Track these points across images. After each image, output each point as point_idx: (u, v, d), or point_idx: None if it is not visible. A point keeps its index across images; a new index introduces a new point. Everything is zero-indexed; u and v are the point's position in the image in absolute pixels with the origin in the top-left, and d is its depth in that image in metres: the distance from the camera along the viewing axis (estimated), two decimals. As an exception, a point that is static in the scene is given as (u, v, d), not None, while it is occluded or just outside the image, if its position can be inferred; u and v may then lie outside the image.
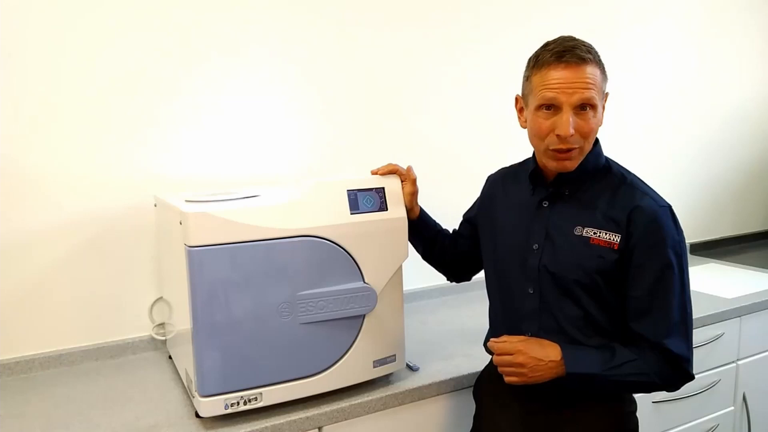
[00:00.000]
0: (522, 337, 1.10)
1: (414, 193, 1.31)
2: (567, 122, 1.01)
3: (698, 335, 1.70)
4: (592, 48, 1.04)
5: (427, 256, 1.41)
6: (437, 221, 1.40)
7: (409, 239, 1.30)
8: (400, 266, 1.26)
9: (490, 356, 1.16)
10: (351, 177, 1.25)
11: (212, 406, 1.11)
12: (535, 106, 1.05)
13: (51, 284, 1.46)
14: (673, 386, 1.06)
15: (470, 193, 1.43)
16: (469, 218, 1.37)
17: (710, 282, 2.12)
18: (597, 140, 1.12)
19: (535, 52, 1.07)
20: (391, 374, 1.32)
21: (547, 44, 1.05)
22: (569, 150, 1.04)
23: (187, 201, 1.15)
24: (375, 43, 1.81)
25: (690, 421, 1.82)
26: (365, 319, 1.22)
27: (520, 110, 1.14)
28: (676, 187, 2.57)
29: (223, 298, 1.09)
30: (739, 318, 1.86)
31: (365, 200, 1.22)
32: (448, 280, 1.44)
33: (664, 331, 1.03)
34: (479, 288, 1.40)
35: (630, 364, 1.03)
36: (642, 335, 1.04)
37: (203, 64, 1.57)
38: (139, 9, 1.48)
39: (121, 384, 1.36)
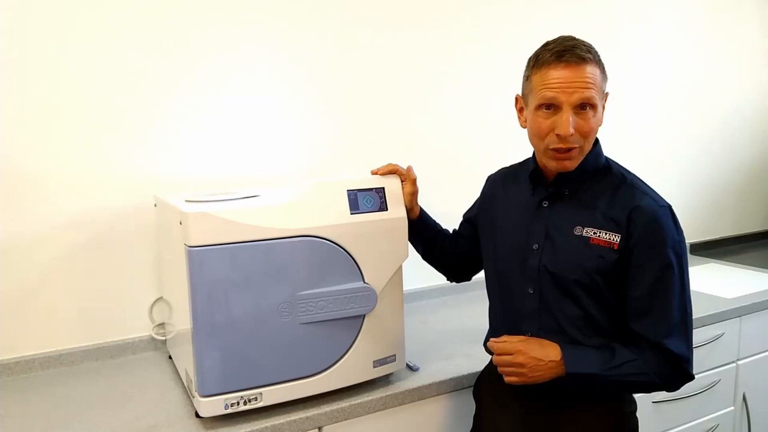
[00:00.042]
0: (522, 337, 1.10)
1: (414, 193, 1.31)
2: (567, 122, 1.01)
3: (698, 335, 1.70)
4: (592, 48, 1.04)
5: (427, 256, 1.41)
6: (437, 221, 1.40)
7: (409, 239, 1.30)
8: (400, 266, 1.26)
9: (490, 356, 1.16)
10: (351, 177, 1.25)
11: (212, 406, 1.11)
12: (535, 105, 1.05)
13: (51, 284, 1.46)
14: (673, 386, 1.06)
15: (470, 193, 1.43)
16: (469, 218, 1.37)
17: (710, 282, 2.12)
18: (597, 140, 1.12)
19: (535, 51, 1.07)
20: (391, 374, 1.32)
21: (547, 44, 1.05)
22: (569, 149, 1.04)
23: (187, 201, 1.15)
24: (375, 43, 1.81)
25: (690, 421, 1.82)
26: (365, 319, 1.22)
27: (520, 110, 1.14)
28: (676, 187, 2.57)
29: (223, 298, 1.09)
30: (739, 318, 1.86)
31: (365, 200, 1.22)
32: (448, 280, 1.44)
33: (664, 331, 1.03)
34: (479, 288, 1.40)
35: (630, 364, 1.03)
36: (642, 335, 1.04)
37: (203, 64, 1.57)
38: (139, 9, 1.48)
39: (121, 384, 1.36)
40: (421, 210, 1.36)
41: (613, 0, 2.28)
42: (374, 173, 1.29)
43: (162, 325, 1.57)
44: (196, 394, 1.11)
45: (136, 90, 1.50)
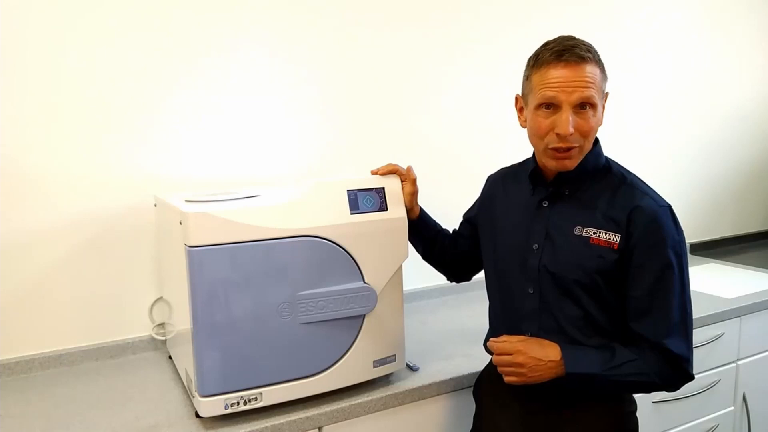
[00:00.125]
0: (521, 337, 1.10)
1: (414, 193, 1.31)
2: (566, 121, 1.01)
3: (698, 335, 1.70)
4: (592, 47, 1.04)
5: (427, 256, 1.41)
6: (437, 221, 1.40)
7: (409, 239, 1.30)
8: (400, 266, 1.26)
9: (490, 356, 1.16)
10: (351, 177, 1.25)
11: (212, 406, 1.11)
12: (534, 105, 1.05)
13: (51, 284, 1.46)
14: (673, 386, 1.06)
15: (470, 193, 1.43)
16: (469, 218, 1.37)
17: (710, 282, 2.12)
18: (597, 140, 1.12)
19: (535, 51, 1.07)
20: (391, 374, 1.32)
21: (546, 44, 1.05)
22: (569, 149, 1.04)
23: (187, 201, 1.15)
24: (375, 43, 1.81)
25: (690, 421, 1.82)
26: (365, 319, 1.22)
27: (520, 110, 1.14)
28: (676, 187, 2.57)
29: (223, 298, 1.09)
30: (739, 318, 1.86)
31: (365, 200, 1.22)
32: (448, 280, 1.44)
33: (664, 331, 1.03)
34: (479, 288, 1.40)
35: (630, 364, 1.03)
36: (642, 335, 1.04)
37: (203, 64, 1.57)
38: (139, 9, 1.48)
39: (121, 384, 1.36)
40: (421, 210, 1.36)
41: (613, 0, 2.28)
42: (374, 173, 1.29)
43: (162, 325, 1.57)
44: (196, 394, 1.11)
45: (136, 90, 1.50)
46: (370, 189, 1.23)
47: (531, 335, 1.12)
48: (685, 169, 2.61)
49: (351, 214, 1.19)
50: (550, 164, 1.08)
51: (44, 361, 1.44)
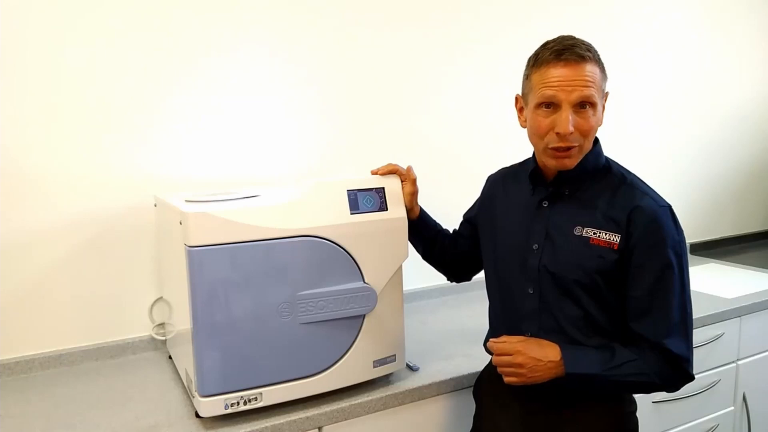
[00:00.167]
0: (521, 338, 1.10)
1: (414, 193, 1.31)
2: (566, 120, 1.01)
3: (698, 335, 1.70)
4: (592, 47, 1.04)
5: (427, 256, 1.41)
6: (437, 221, 1.40)
7: (409, 239, 1.30)
8: (400, 266, 1.26)
9: (490, 356, 1.16)
10: (351, 177, 1.25)
11: (212, 406, 1.11)
12: (534, 104, 1.05)
13: (51, 284, 1.46)
14: (673, 386, 1.06)
15: (470, 193, 1.43)
16: (470, 218, 1.37)
17: (710, 282, 2.12)
18: (597, 140, 1.12)
19: (535, 51, 1.07)
20: (391, 374, 1.32)
21: (546, 43, 1.06)
22: (569, 148, 1.04)
23: (187, 201, 1.15)
24: (375, 43, 1.81)
25: (690, 421, 1.82)
26: (365, 319, 1.22)
27: (520, 110, 1.14)
28: (676, 187, 2.57)
29: (223, 298, 1.09)
30: (739, 318, 1.86)
31: (365, 200, 1.22)
32: (448, 280, 1.44)
33: (664, 331, 1.03)
34: (479, 288, 1.40)
35: (630, 365, 1.03)
36: (642, 335, 1.04)
37: (203, 64, 1.57)
38: (139, 9, 1.48)
39: (121, 384, 1.36)
40: (421, 210, 1.36)
41: (613, 0, 2.28)
42: (374, 173, 1.29)
43: (162, 325, 1.57)
44: (196, 394, 1.11)
45: (136, 90, 1.50)
46: (370, 189, 1.23)
47: (531, 335, 1.12)
48: (685, 169, 2.61)
49: (351, 214, 1.19)
50: (550, 163, 1.08)
51: (44, 361, 1.44)
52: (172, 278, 1.31)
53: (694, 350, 1.06)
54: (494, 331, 1.23)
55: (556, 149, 1.05)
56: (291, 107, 1.71)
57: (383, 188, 1.25)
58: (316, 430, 1.19)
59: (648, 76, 2.42)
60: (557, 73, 1.01)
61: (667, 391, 1.07)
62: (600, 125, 1.07)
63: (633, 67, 2.37)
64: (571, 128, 1.01)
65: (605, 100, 1.08)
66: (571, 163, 1.07)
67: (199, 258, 1.07)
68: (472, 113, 2.00)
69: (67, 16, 1.41)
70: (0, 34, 1.35)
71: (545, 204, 1.13)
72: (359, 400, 1.23)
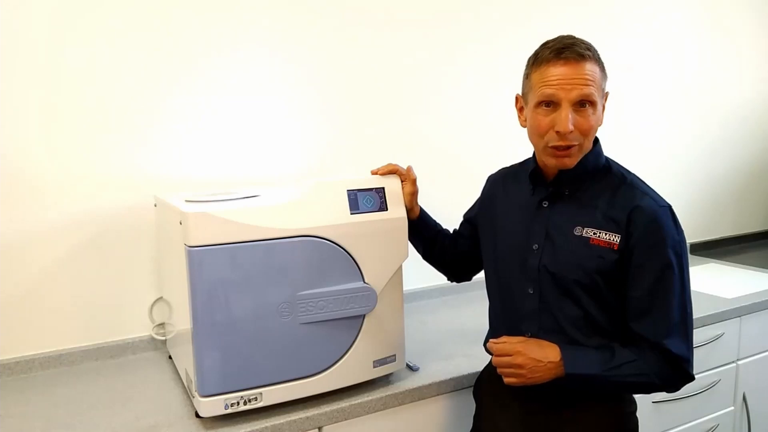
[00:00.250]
0: (521, 338, 1.10)
1: (414, 193, 1.31)
2: (566, 118, 1.01)
3: (698, 335, 1.70)
4: (592, 46, 1.04)
5: (427, 256, 1.41)
6: (437, 221, 1.40)
7: (409, 239, 1.30)
8: (400, 266, 1.26)
9: (491, 356, 1.16)
10: (351, 177, 1.25)
11: (212, 406, 1.11)
12: (534, 103, 1.05)
13: (51, 284, 1.46)
14: (673, 387, 1.06)
15: (470, 193, 1.43)
16: (470, 218, 1.37)
17: (710, 282, 2.12)
18: (597, 140, 1.12)
19: (535, 50, 1.07)
20: (391, 374, 1.32)
21: (546, 42, 1.06)
22: (569, 147, 1.04)
23: (187, 201, 1.15)
24: (375, 43, 1.81)
25: (690, 421, 1.82)
26: (365, 319, 1.22)
27: (520, 109, 1.14)
28: (676, 187, 2.57)
29: (223, 298, 1.09)
30: (739, 318, 1.86)
31: (365, 200, 1.22)
32: (448, 280, 1.44)
33: (664, 331, 1.03)
34: (479, 288, 1.40)
35: (630, 365, 1.03)
36: (642, 335, 1.04)
37: (203, 64, 1.57)
38: (139, 9, 1.48)
39: (121, 384, 1.36)
40: (421, 210, 1.36)
41: (613, 0, 2.28)
42: (374, 173, 1.29)
43: (162, 325, 1.57)
44: (196, 394, 1.11)
45: (136, 90, 1.50)
46: (370, 189, 1.23)
47: (531, 335, 1.12)
48: (685, 169, 2.61)
49: (351, 214, 1.19)
50: (550, 162, 1.08)
51: (44, 361, 1.44)
52: (172, 278, 1.31)
53: (694, 350, 1.06)
54: (494, 331, 1.23)
55: (556, 148, 1.05)
56: (291, 107, 1.71)
57: (383, 188, 1.25)
58: (316, 430, 1.19)
59: (648, 76, 2.42)
60: (557, 71, 1.01)
61: (667, 392, 1.07)
62: (600, 125, 1.07)
63: (633, 67, 2.37)
64: (571, 127, 1.01)
65: (605, 99, 1.08)
66: (571, 162, 1.07)
67: (199, 258, 1.07)
68: (472, 113, 2.00)
69: (67, 16, 1.41)
70: (0, 34, 1.35)
71: (545, 204, 1.13)
72: (359, 400, 1.23)
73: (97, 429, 1.15)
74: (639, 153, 2.42)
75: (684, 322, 1.04)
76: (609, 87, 1.09)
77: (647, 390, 1.07)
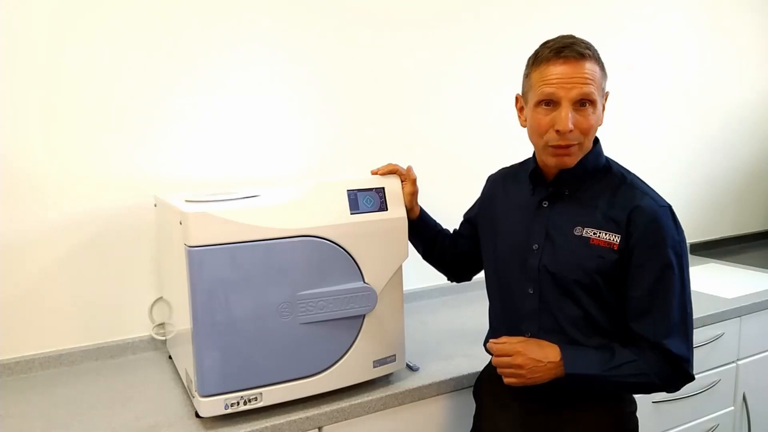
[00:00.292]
0: (521, 339, 1.10)
1: (414, 193, 1.31)
2: (566, 117, 1.01)
3: (698, 335, 1.70)
4: (592, 45, 1.04)
5: (427, 256, 1.41)
6: (437, 221, 1.40)
7: (409, 239, 1.30)
8: (400, 266, 1.26)
9: (491, 356, 1.16)
10: (351, 177, 1.25)
11: (212, 406, 1.11)
12: (534, 102, 1.05)
13: (51, 284, 1.46)
14: (673, 387, 1.06)
15: (470, 193, 1.43)
16: (470, 218, 1.37)
17: (710, 282, 2.12)
18: (597, 140, 1.12)
19: (535, 50, 1.07)
20: (391, 374, 1.32)
21: (546, 42, 1.06)
22: (569, 146, 1.04)
23: (187, 201, 1.15)
24: (375, 43, 1.81)
25: (690, 421, 1.82)
26: (365, 319, 1.22)
27: (521, 109, 1.14)
28: (676, 187, 2.57)
29: (223, 298, 1.09)
30: (739, 318, 1.86)
31: (365, 200, 1.22)
32: (448, 280, 1.44)
33: (664, 331, 1.03)
34: (479, 288, 1.40)
35: (630, 365, 1.03)
36: (642, 335, 1.04)
37: (203, 64, 1.57)
38: (139, 9, 1.48)
39: (121, 384, 1.36)
40: (421, 210, 1.36)
41: (613, 0, 2.28)
42: (374, 173, 1.29)
43: (162, 325, 1.57)
44: (196, 394, 1.11)
45: (136, 90, 1.50)
46: (370, 189, 1.23)
47: (531, 335, 1.12)
48: (685, 169, 2.61)
49: (351, 214, 1.19)
50: (550, 161, 1.08)
51: (44, 361, 1.44)
52: (172, 278, 1.31)
53: (694, 350, 1.06)
54: (494, 331, 1.23)
55: (556, 147, 1.05)
56: (291, 107, 1.71)
57: (383, 188, 1.25)
58: (316, 430, 1.19)
59: (648, 76, 2.42)
60: (557, 70, 1.01)
61: (667, 392, 1.07)
62: (600, 124, 1.07)
63: (633, 67, 2.37)
64: (571, 126, 1.01)
65: (605, 99, 1.08)
66: (571, 161, 1.07)
67: (199, 258, 1.07)
68: (472, 113, 2.00)
69: (67, 16, 1.41)
70: (0, 34, 1.35)
71: (545, 204, 1.13)
72: (359, 400, 1.23)
73: (96, 429, 1.15)
74: (639, 153, 2.42)
75: (684, 322, 1.04)
76: (609, 87, 1.09)
77: (647, 390, 1.07)
